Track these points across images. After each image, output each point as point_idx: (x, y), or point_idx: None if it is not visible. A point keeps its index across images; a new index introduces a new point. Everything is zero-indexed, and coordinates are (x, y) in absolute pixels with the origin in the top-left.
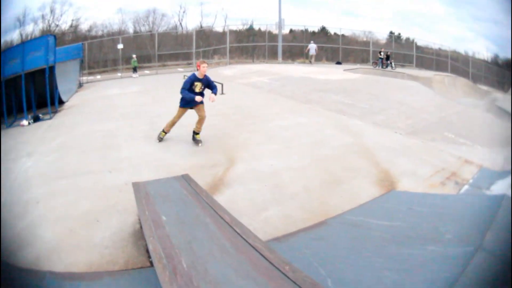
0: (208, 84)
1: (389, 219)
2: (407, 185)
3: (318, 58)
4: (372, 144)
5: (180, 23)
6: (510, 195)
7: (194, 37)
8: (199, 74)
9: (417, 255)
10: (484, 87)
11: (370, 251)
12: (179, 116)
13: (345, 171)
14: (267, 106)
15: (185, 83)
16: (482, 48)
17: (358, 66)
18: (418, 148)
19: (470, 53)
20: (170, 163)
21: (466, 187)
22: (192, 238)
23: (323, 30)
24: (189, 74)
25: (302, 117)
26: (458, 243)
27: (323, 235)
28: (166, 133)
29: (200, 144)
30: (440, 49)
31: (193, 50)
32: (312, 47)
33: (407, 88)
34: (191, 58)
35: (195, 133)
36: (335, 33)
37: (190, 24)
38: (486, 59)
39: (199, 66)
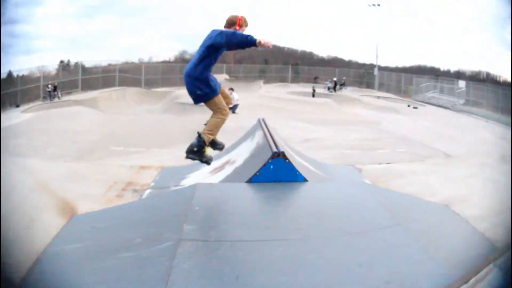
0: None
1: (76, 242)
2: (86, 207)
3: None
4: (44, 178)
5: None
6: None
7: None
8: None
9: (113, 265)
10: (162, 89)
11: None
12: None
13: (30, 209)
14: None
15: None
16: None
17: (31, 105)
18: (87, 170)
19: (146, 59)
20: None
21: (148, 191)
22: None
23: None
24: None
25: None
26: (153, 242)
27: None
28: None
29: None
30: (109, 64)
31: None
32: None
33: (72, 114)
34: None
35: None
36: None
37: None
38: (168, 59)
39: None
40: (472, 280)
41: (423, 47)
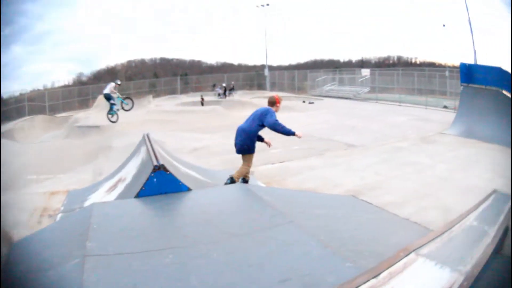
0: None
1: (22, 264)
2: (19, 234)
3: None
4: None
5: None
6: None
7: None
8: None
9: (48, 283)
10: (63, 114)
11: None
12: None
13: None
14: None
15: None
16: (63, 74)
17: None
18: (14, 200)
19: (49, 85)
20: None
21: (60, 215)
22: None
23: None
24: None
25: None
26: (66, 260)
27: None
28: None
29: None
30: (20, 94)
31: None
32: None
33: None
34: None
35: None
36: None
37: None
38: (67, 83)
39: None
40: (385, 273)
41: (319, 42)
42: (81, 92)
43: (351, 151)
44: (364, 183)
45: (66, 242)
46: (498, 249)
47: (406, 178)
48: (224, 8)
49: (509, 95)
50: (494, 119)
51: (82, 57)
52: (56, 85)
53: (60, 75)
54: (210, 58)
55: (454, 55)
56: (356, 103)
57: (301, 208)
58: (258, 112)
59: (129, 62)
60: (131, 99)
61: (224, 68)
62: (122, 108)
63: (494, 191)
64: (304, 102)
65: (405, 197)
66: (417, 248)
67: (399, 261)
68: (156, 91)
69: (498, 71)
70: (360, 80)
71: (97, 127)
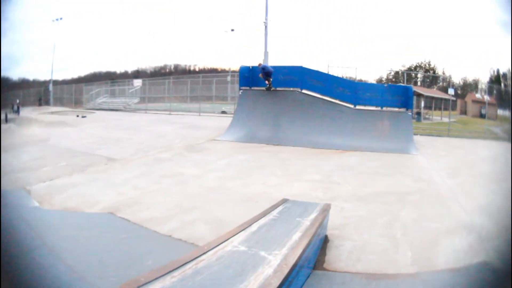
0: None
1: None
2: None
3: None
4: None
5: None
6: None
7: None
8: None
9: None
10: None
11: None
12: None
13: None
14: None
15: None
16: None
17: None
18: None
19: None
20: None
21: None
22: None
23: None
24: None
25: None
26: None
27: None
28: None
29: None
30: None
31: None
32: None
33: None
34: None
35: None
36: None
37: None
38: None
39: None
40: None
41: (98, 55)
42: None
43: (112, 165)
44: (123, 199)
45: None
46: (315, 267)
47: (168, 191)
48: (17, 20)
49: (310, 93)
50: (277, 121)
51: None
52: None
53: None
54: (13, 74)
55: (240, 60)
56: (125, 114)
57: (57, 230)
58: (269, 68)
59: None
60: None
61: (23, 85)
62: None
63: (285, 200)
64: (78, 116)
65: (167, 211)
66: (145, 283)
67: None
68: None
69: (298, 70)
70: (130, 91)
71: None
